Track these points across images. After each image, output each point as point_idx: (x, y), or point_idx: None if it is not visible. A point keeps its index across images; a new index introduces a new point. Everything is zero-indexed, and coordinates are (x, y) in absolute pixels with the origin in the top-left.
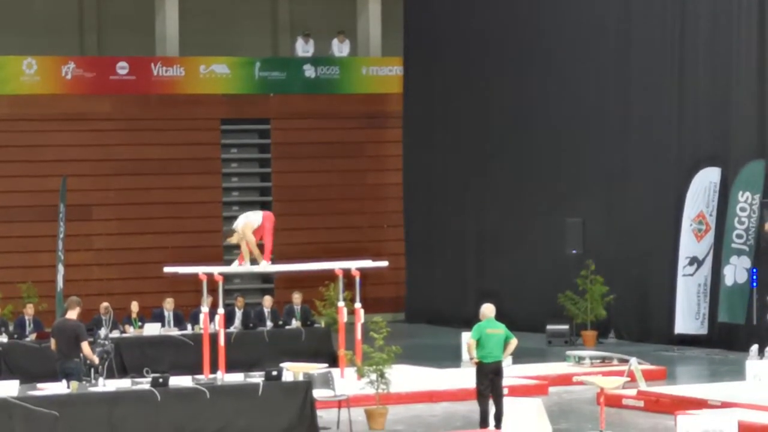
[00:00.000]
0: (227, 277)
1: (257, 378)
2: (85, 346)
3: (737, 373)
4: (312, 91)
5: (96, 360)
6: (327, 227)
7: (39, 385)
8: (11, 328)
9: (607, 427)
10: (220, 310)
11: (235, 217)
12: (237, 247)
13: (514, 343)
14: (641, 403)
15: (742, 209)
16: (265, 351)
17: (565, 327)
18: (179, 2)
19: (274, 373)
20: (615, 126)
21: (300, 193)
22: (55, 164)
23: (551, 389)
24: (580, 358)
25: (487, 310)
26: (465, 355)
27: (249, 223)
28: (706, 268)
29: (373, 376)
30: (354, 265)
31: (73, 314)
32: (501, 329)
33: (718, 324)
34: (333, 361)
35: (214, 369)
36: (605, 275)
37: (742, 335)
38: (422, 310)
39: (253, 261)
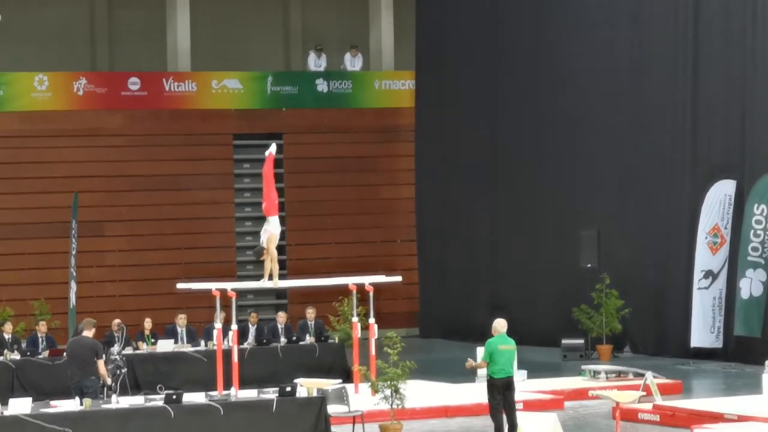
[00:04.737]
0: (240, 293)
1: (271, 394)
2: (101, 365)
3: (753, 386)
4: (324, 105)
5: (109, 380)
6: (340, 242)
7: (52, 402)
8: (24, 345)
9: None
10: (234, 326)
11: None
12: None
13: None
14: (657, 417)
15: (758, 222)
16: (279, 367)
17: (580, 341)
18: (191, 15)
19: (288, 389)
20: (629, 138)
21: (313, 208)
22: (67, 180)
23: (567, 404)
24: (596, 373)
25: (499, 325)
26: (480, 371)
27: (272, 236)
28: (721, 281)
29: (388, 392)
30: (368, 280)
31: (89, 334)
32: (512, 345)
33: (734, 337)
34: (347, 377)
35: (227, 385)
36: (619, 288)
37: (758, 348)
38: (436, 324)
39: (270, 277)
